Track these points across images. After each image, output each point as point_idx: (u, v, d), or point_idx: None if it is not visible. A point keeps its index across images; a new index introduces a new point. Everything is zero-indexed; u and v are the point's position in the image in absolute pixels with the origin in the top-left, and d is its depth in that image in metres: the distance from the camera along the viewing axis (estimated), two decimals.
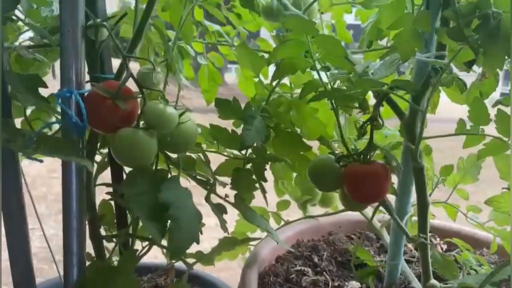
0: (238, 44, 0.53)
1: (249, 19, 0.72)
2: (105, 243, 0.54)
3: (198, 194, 0.50)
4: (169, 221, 0.41)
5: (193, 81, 0.84)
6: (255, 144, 0.53)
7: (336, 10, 0.73)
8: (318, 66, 0.48)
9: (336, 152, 0.54)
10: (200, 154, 0.56)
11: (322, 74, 0.49)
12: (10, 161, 0.44)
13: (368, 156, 0.49)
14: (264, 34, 0.81)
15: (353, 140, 0.54)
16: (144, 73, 0.43)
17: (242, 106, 0.55)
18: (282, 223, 0.73)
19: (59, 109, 0.47)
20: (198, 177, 0.52)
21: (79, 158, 0.36)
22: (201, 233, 0.43)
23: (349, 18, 0.75)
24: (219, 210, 0.51)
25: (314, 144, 0.60)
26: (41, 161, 0.38)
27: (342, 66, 0.45)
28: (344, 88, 0.49)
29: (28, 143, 0.39)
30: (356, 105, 0.49)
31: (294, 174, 0.68)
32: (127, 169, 0.54)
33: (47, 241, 0.87)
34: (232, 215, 0.57)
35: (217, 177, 0.56)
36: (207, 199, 0.50)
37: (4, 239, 0.47)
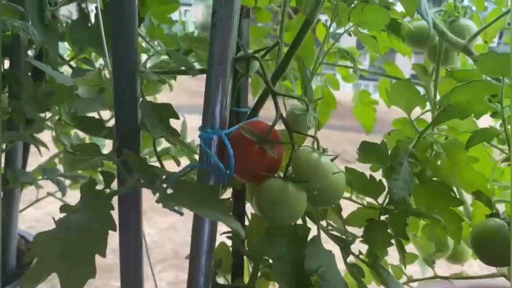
0: (398, 80, 0.45)
1: (383, 40, 0.64)
2: None
3: None
4: None
5: None
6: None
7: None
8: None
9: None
10: None
11: None
12: None
13: None
14: None
15: None
16: (297, 114, 0.36)
17: None
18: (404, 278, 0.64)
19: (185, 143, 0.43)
20: (332, 231, 0.44)
21: (229, 219, 0.30)
22: None
23: None
24: (358, 273, 0.43)
25: None
26: (181, 213, 0.33)
27: None
28: None
29: (166, 188, 0.35)
30: None
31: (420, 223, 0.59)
32: (248, 208, 0.48)
33: (146, 246, 0.86)
34: None
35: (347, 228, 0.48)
36: (345, 261, 0.42)
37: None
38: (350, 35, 0.47)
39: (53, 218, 0.35)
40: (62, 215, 0.33)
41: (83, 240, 0.31)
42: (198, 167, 0.35)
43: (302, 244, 0.37)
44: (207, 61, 0.36)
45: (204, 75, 0.36)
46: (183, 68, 0.47)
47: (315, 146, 0.39)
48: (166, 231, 1.94)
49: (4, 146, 0.63)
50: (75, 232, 0.31)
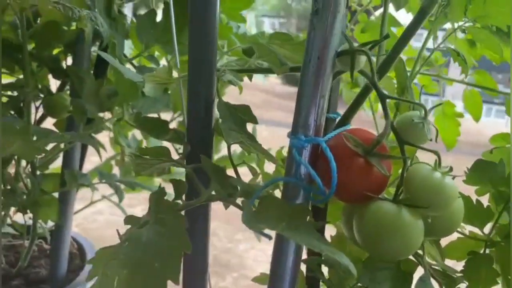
0: None
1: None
2: None
3: None
4: None
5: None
6: None
7: None
8: None
9: None
10: None
11: None
12: None
13: None
14: None
15: None
16: (413, 123, 0.30)
17: None
18: None
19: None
20: (435, 267, 0.37)
21: (333, 250, 0.24)
22: None
23: None
24: None
25: None
26: (269, 237, 0.27)
27: None
28: None
29: (250, 204, 0.29)
30: None
31: None
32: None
33: None
34: None
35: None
36: None
37: None
38: (464, 32, 0.39)
39: (118, 231, 0.31)
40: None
41: (154, 262, 0.26)
42: (289, 181, 0.29)
43: (408, 283, 0.30)
44: (303, 56, 0.30)
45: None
46: (263, 66, 0.41)
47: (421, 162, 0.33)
48: None
49: (62, 145, 0.61)
50: (145, 252, 0.26)
